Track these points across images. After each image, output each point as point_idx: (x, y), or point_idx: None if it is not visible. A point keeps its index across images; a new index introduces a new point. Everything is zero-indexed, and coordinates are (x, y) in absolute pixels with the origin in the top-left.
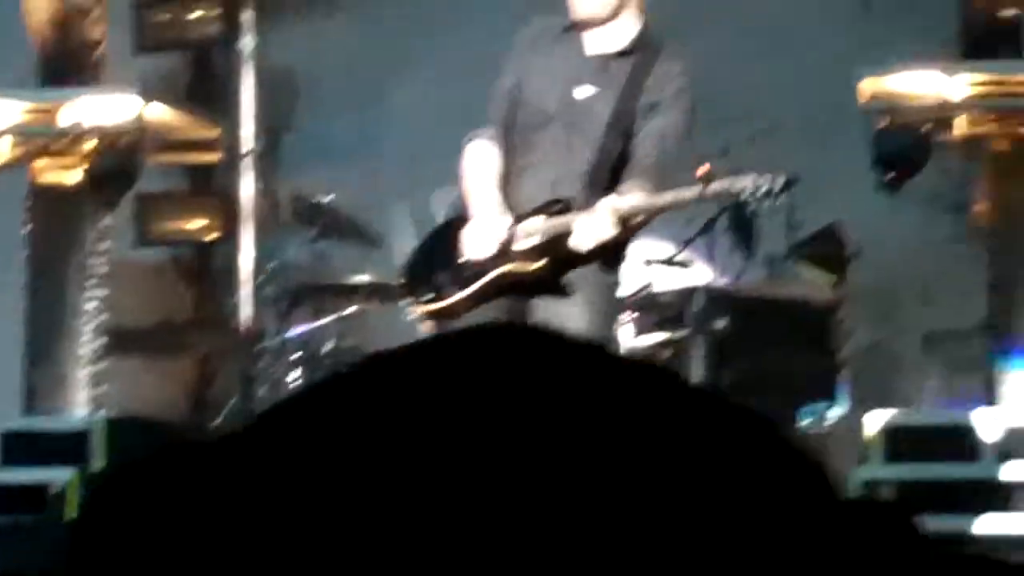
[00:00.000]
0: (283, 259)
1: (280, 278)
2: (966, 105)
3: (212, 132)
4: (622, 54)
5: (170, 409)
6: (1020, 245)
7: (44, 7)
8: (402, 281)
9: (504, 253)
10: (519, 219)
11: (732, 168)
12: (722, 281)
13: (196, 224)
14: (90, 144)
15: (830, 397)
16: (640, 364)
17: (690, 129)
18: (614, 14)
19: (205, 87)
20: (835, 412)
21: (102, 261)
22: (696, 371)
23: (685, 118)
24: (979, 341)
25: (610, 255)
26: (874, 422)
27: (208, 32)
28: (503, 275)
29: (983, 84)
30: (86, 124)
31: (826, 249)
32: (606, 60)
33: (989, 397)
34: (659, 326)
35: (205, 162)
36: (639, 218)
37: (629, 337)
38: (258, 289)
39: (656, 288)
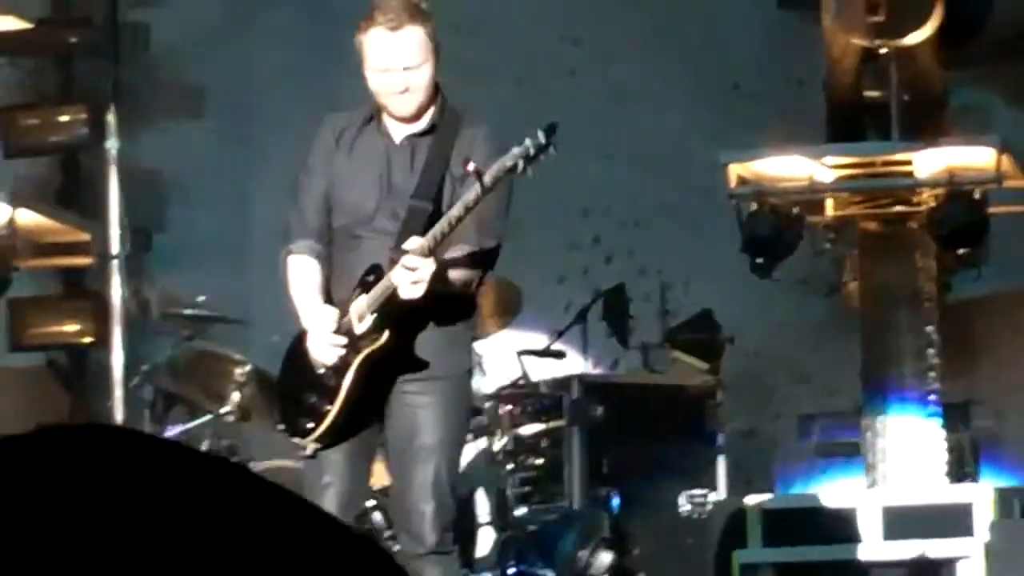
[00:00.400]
0: (156, 361)
1: (154, 380)
2: (835, 187)
3: (83, 235)
4: (427, 132)
5: None
6: (891, 324)
7: None
8: (281, 427)
9: (352, 344)
10: (343, 306)
11: (605, 255)
12: (598, 370)
13: (70, 328)
14: None
15: (708, 482)
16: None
17: (508, 195)
18: (425, 109)
19: (75, 190)
20: (714, 497)
21: None
22: (574, 459)
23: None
24: (854, 422)
25: (445, 303)
26: (752, 506)
27: (76, 135)
28: (361, 365)
29: (851, 166)
30: None
31: (700, 335)
32: (413, 139)
33: (866, 478)
34: (536, 416)
35: (77, 265)
36: (442, 243)
37: (505, 427)
38: (132, 391)
39: (532, 378)
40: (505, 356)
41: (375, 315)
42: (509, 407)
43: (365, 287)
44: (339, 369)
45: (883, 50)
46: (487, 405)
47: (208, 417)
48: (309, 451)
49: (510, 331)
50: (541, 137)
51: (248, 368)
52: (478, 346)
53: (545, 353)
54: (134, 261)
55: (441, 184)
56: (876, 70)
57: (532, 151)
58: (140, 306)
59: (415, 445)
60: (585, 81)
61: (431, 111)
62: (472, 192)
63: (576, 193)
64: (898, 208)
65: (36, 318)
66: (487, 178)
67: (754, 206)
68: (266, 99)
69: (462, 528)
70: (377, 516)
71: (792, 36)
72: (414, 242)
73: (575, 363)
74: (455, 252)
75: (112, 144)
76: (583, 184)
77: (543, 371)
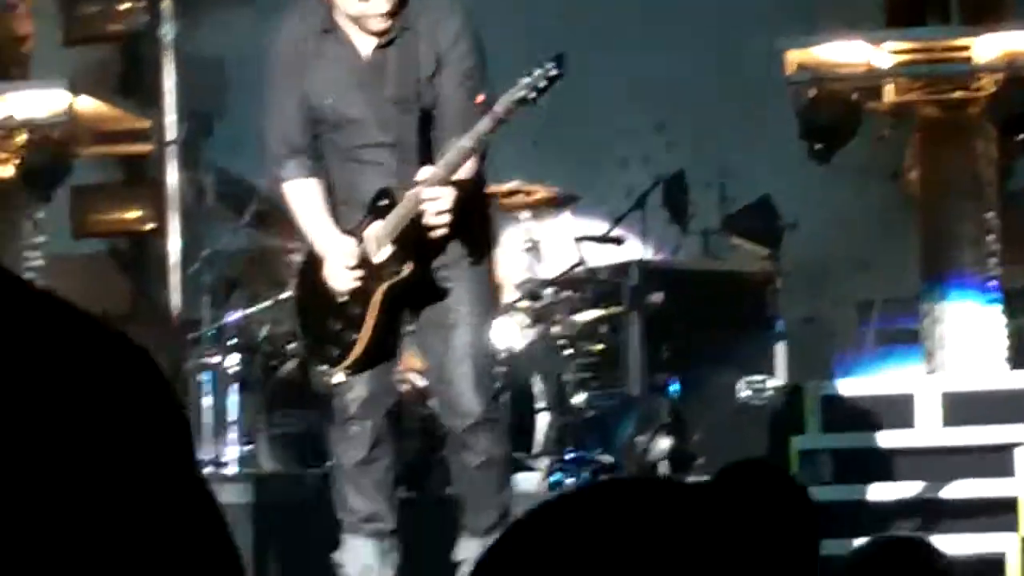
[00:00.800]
0: (216, 247)
1: (214, 265)
2: (894, 72)
3: (143, 122)
4: (395, 39)
5: None
6: (951, 210)
7: None
8: (306, 355)
9: (371, 273)
10: (357, 232)
11: (667, 142)
12: (658, 256)
13: (131, 215)
14: (21, 138)
15: (767, 369)
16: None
17: (482, 63)
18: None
19: (135, 78)
20: (772, 383)
21: (37, 255)
22: (633, 346)
23: (471, 57)
24: (913, 308)
25: (473, 226)
26: (813, 392)
27: (135, 23)
28: (383, 295)
29: (910, 51)
30: (17, 119)
31: (759, 222)
32: (382, 50)
33: (926, 365)
34: (594, 302)
35: (137, 153)
36: (461, 168)
37: (564, 313)
38: (192, 277)
39: (590, 264)
40: (563, 242)
41: (395, 245)
42: (567, 293)
43: (378, 212)
44: (361, 297)
45: None
46: (545, 291)
47: (268, 303)
48: (337, 379)
49: (569, 216)
50: (551, 68)
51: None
52: (535, 230)
53: (604, 239)
54: (194, 148)
55: (418, 85)
56: None
57: (543, 82)
58: (196, 192)
59: (447, 321)
60: None
61: (393, 22)
62: (485, 123)
63: (637, 80)
64: (958, 94)
65: (97, 206)
66: (500, 109)
67: (812, 92)
68: None
69: (520, 414)
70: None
71: None
72: (426, 171)
73: (634, 249)
74: (444, 160)
75: (167, 30)
76: (643, 72)
77: (602, 257)
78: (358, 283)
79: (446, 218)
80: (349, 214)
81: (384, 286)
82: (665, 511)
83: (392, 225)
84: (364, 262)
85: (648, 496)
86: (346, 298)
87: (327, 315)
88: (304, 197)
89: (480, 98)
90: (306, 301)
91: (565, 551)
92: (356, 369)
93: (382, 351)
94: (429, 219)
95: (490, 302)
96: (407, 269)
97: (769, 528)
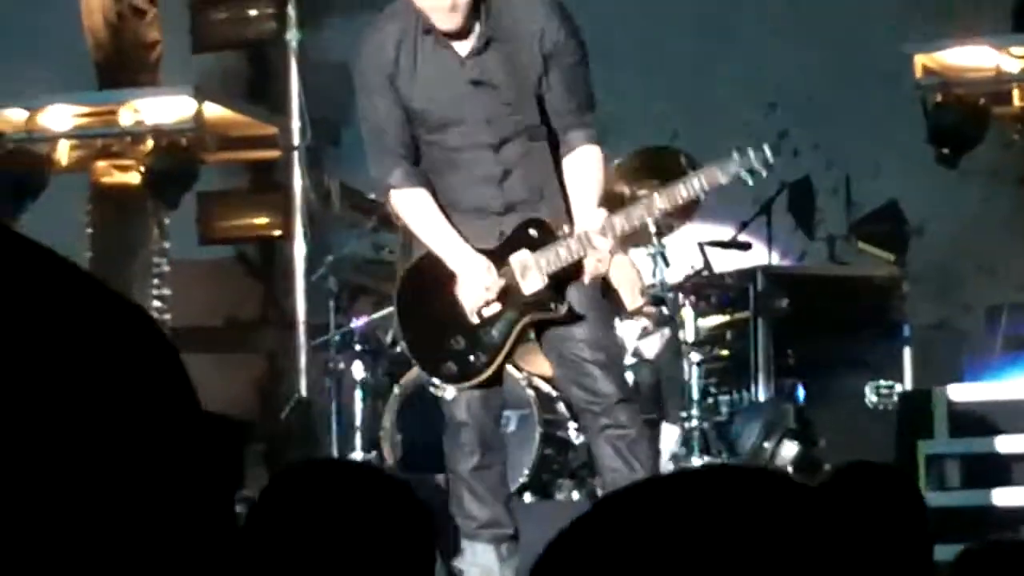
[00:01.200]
0: (341, 252)
1: (339, 271)
2: (1022, 78)
3: (270, 128)
4: (486, 46)
5: (239, 406)
6: None
7: (100, 9)
8: (417, 358)
9: (514, 301)
10: (498, 255)
11: (792, 148)
12: (784, 262)
13: (258, 221)
14: (148, 145)
15: (895, 374)
16: None
17: (585, 52)
18: (471, 26)
19: (263, 84)
20: (900, 388)
21: (164, 261)
22: (759, 351)
23: (577, 51)
24: None
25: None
26: (940, 397)
27: (263, 29)
28: (527, 325)
29: None
30: (145, 125)
31: (886, 227)
32: (477, 55)
33: None
34: (720, 307)
35: (264, 158)
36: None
37: (690, 319)
38: (317, 283)
39: (715, 270)
40: (688, 247)
41: (550, 279)
42: (693, 298)
43: (527, 241)
44: (493, 321)
45: None
46: (671, 296)
47: (392, 308)
48: (450, 395)
49: (694, 223)
50: (768, 153)
51: None
52: (662, 236)
53: (730, 244)
54: (320, 153)
55: (525, 85)
56: None
57: (757, 166)
58: (322, 198)
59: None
60: None
61: (478, 27)
62: (684, 190)
63: (763, 86)
64: None
65: (224, 211)
66: (706, 185)
67: (940, 97)
68: None
69: (646, 419)
70: (561, 406)
71: None
72: (601, 216)
73: (760, 255)
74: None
75: (293, 36)
76: (770, 77)
77: (727, 263)
78: (497, 307)
79: (604, 269)
80: (451, 217)
81: (530, 318)
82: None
83: (551, 263)
84: (507, 290)
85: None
86: (479, 321)
87: (451, 331)
88: (420, 209)
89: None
90: (418, 312)
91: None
92: (472, 387)
93: (501, 373)
94: (589, 270)
95: (608, 304)
96: (562, 309)
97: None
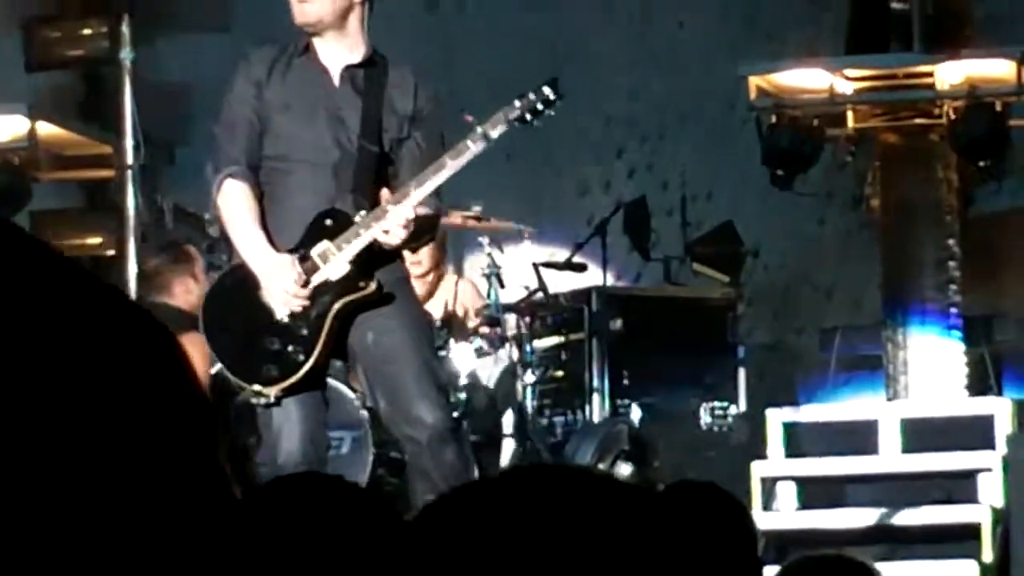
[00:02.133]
0: None
1: None
2: (855, 99)
3: (104, 148)
4: (362, 65)
5: None
6: (913, 237)
7: None
8: (233, 372)
9: (323, 292)
10: (298, 249)
11: (628, 168)
12: (618, 283)
13: (91, 240)
14: None
15: (729, 395)
16: None
17: (443, 135)
18: (341, 22)
19: (98, 104)
20: (735, 409)
21: None
22: (594, 372)
23: (442, 123)
24: (876, 335)
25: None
26: (774, 419)
27: (97, 48)
28: (338, 313)
29: (872, 78)
30: None
31: (721, 248)
32: (351, 70)
33: (887, 391)
34: (556, 328)
35: (98, 178)
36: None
37: (525, 339)
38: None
39: (551, 291)
40: (524, 268)
41: (352, 264)
42: (528, 319)
43: (324, 231)
44: (309, 317)
45: None
46: (506, 317)
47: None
48: (273, 399)
49: (530, 244)
50: (548, 92)
51: None
52: (497, 258)
53: (565, 266)
54: (154, 173)
55: (381, 118)
56: None
57: (540, 105)
58: (155, 218)
59: (389, 341)
60: None
61: (363, 45)
62: (475, 144)
63: (599, 106)
64: (919, 120)
65: (57, 231)
66: (490, 130)
67: (774, 118)
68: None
69: (481, 440)
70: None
71: None
72: (413, 194)
73: (595, 276)
74: (422, 210)
75: (127, 55)
76: (605, 97)
77: (563, 284)
78: (305, 302)
79: (399, 239)
80: (274, 219)
81: (342, 302)
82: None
83: (354, 246)
84: (308, 283)
85: (582, 484)
86: (288, 319)
87: (263, 334)
88: (240, 205)
89: (469, 117)
90: (227, 326)
91: (479, 534)
92: (295, 389)
93: (323, 370)
94: (389, 239)
95: (426, 324)
96: (371, 287)
97: (708, 549)
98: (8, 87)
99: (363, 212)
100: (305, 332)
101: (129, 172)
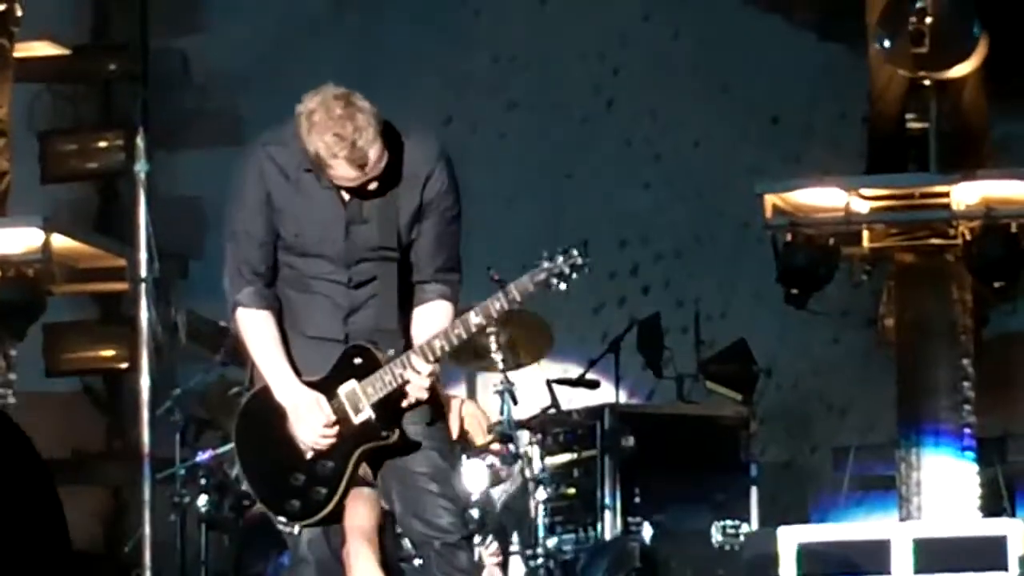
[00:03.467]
0: (187, 385)
1: (185, 404)
2: (871, 219)
3: (119, 260)
4: (375, 182)
5: (83, 539)
6: (927, 357)
7: None
8: (260, 500)
9: (347, 432)
10: (326, 386)
11: (642, 285)
12: (632, 400)
13: (105, 353)
14: None
15: (742, 513)
16: None
17: (460, 214)
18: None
19: (112, 216)
20: (747, 528)
21: (10, 392)
22: (607, 489)
23: (455, 206)
24: (890, 455)
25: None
26: (787, 538)
27: (113, 161)
28: (362, 455)
29: (888, 198)
30: None
31: (734, 367)
32: (362, 200)
33: (900, 511)
34: (568, 445)
35: (113, 291)
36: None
37: (537, 456)
38: (164, 416)
39: (563, 407)
40: (537, 385)
41: (376, 410)
42: (540, 435)
43: (353, 370)
44: (333, 456)
45: (926, 82)
46: (518, 433)
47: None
48: (296, 530)
49: (543, 361)
50: (577, 256)
51: None
52: (510, 374)
53: (578, 382)
54: (168, 286)
55: (398, 232)
56: (918, 102)
57: (567, 269)
58: (169, 331)
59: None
60: (624, 110)
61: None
62: (499, 303)
63: (614, 223)
64: (935, 240)
65: (72, 343)
66: (517, 294)
67: (789, 236)
68: None
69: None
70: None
71: (834, 68)
72: (422, 353)
73: (608, 393)
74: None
75: (141, 167)
76: (621, 214)
77: (576, 400)
78: (332, 441)
79: (426, 395)
80: (298, 343)
81: (363, 448)
82: None
83: (377, 392)
84: (339, 422)
85: None
86: (313, 455)
87: (289, 468)
88: (260, 333)
89: (495, 275)
90: (257, 450)
91: None
92: (316, 524)
93: (343, 507)
94: (412, 393)
95: (449, 438)
96: (394, 436)
97: None
98: (24, 199)
99: (391, 351)
100: (329, 471)
101: (143, 285)
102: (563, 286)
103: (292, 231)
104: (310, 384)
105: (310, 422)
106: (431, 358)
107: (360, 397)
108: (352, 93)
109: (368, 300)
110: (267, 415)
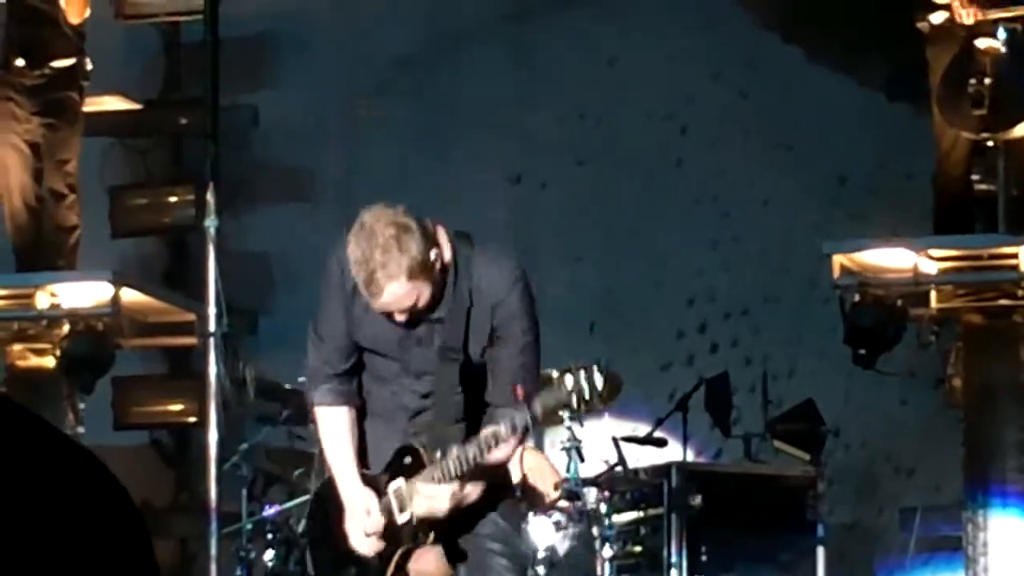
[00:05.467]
0: (254, 440)
1: (252, 459)
2: (939, 279)
3: (188, 315)
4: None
5: None
6: (995, 418)
7: (20, 192)
8: None
9: (393, 534)
10: (379, 483)
11: (711, 343)
12: (699, 459)
13: (173, 407)
14: (65, 328)
15: (808, 573)
16: None
17: (535, 339)
18: (416, 299)
19: (182, 271)
20: None
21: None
22: (673, 548)
23: (529, 332)
24: (957, 516)
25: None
26: None
27: (183, 216)
28: (402, 557)
29: (956, 258)
30: (62, 308)
31: (802, 426)
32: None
33: (967, 573)
34: (635, 503)
35: (181, 345)
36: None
37: (603, 514)
38: (231, 470)
39: (630, 465)
40: (604, 442)
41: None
42: (607, 493)
43: (401, 469)
44: (382, 551)
45: (990, 143)
46: (585, 490)
47: (306, 497)
48: None
49: (611, 418)
50: (598, 380)
51: None
52: (577, 431)
53: (646, 440)
54: (236, 342)
55: (467, 349)
56: (985, 163)
57: (587, 393)
58: (236, 386)
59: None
60: (692, 169)
61: (446, 299)
62: (522, 418)
63: (682, 281)
64: (1003, 301)
65: (140, 397)
66: (538, 412)
67: (857, 296)
68: (375, 187)
69: None
70: None
71: (901, 127)
72: (456, 452)
73: (675, 451)
74: (493, 441)
75: (211, 223)
76: (689, 272)
77: (643, 458)
78: (379, 546)
79: (439, 514)
80: (375, 426)
81: (403, 549)
82: None
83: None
84: (388, 520)
85: None
86: (361, 555)
87: (342, 559)
88: (333, 430)
89: (520, 392)
90: (322, 538)
91: None
92: None
93: None
94: (420, 513)
95: (512, 501)
96: (428, 540)
97: None
98: (94, 254)
99: (438, 453)
100: (373, 570)
101: (212, 340)
102: (581, 407)
103: (363, 340)
104: (369, 477)
105: (359, 524)
106: (464, 466)
107: (405, 496)
108: (406, 219)
109: (434, 406)
110: (330, 508)
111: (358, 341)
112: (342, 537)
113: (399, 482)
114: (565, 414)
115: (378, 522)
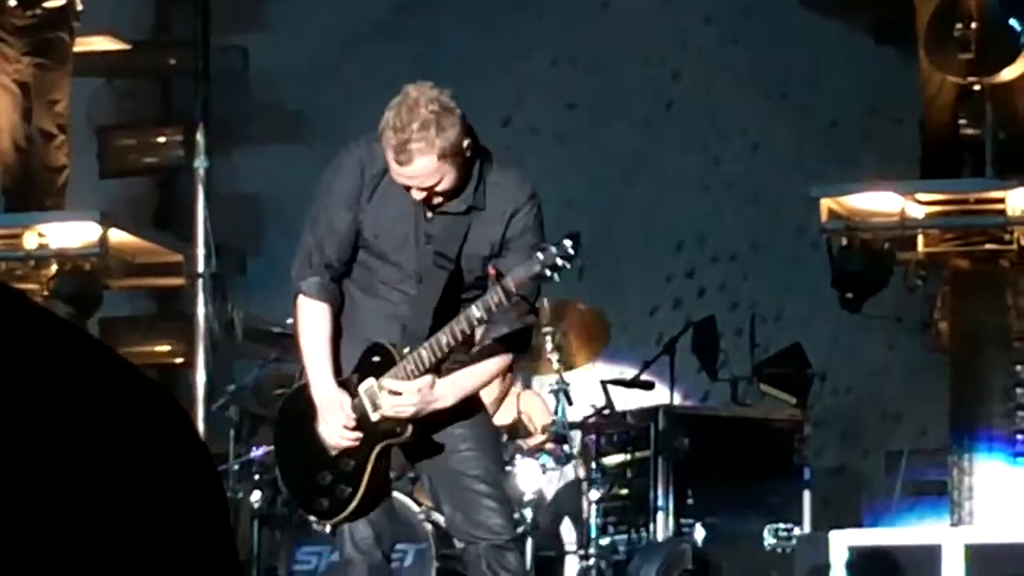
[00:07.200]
0: (242, 382)
1: (240, 400)
2: (926, 224)
3: (176, 256)
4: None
5: None
6: (981, 362)
7: (9, 133)
8: (294, 497)
9: (366, 430)
10: (351, 383)
11: (698, 288)
12: (686, 402)
13: (161, 348)
14: (53, 268)
15: (794, 517)
16: None
17: (542, 238)
18: (439, 180)
19: (171, 212)
20: (799, 531)
21: None
22: (660, 491)
23: (535, 239)
24: (942, 460)
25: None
26: (839, 542)
27: (171, 156)
28: (379, 455)
29: (943, 203)
30: (50, 248)
31: (788, 370)
32: (449, 212)
33: (952, 516)
34: (622, 446)
35: (169, 286)
36: (440, 359)
37: (590, 457)
38: (218, 411)
39: (617, 408)
40: (591, 385)
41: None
42: (594, 436)
43: (370, 368)
44: (353, 452)
45: (976, 87)
46: (572, 433)
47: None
48: (328, 529)
49: (599, 362)
50: (568, 246)
51: None
52: (565, 375)
53: (633, 383)
54: (225, 283)
55: (472, 259)
56: (972, 108)
57: (559, 261)
58: (225, 327)
59: (451, 462)
60: (682, 114)
61: (466, 194)
62: (495, 296)
63: (671, 226)
64: (990, 246)
65: (127, 338)
66: (511, 284)
67: (845, 241)
68: (366, 129)
69: (546, 556)
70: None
71: (891, 73)
72: (397, 382)
73: (662, 395)
74: (489, 335)
75: (200, 164)
76: (678, 217)
77: (630, 401)
78: (354, 442)
79: (406, 413)
80: (348, 339)
81: (381, 445)
82: None
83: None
84: (361, 419)
85: None
86: (337, 452)
87: (317, 466)
88: (313, 327)
89: (492, 270)
90: (291, 447)
91: None
92: (347, 521)
93: (375, 500)
94: (388, 411)
95: (496, 437)
96: (407, 433)
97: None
98: (82, 194)
99: (407, 348)
100: (351, 469)
101: (200, 281)
102: (556, 277)
103: (372, 231)
104: (341, 381)
105: (332, 422)
106: (438, 353)
107: (377, 394)
108: (450, 102)
109: (427, 314)
110: (303, 412)
111: (362, 232)
112: (315, 441)
113: (370, 381)
114: (554, 357)
115: (351, 417)
